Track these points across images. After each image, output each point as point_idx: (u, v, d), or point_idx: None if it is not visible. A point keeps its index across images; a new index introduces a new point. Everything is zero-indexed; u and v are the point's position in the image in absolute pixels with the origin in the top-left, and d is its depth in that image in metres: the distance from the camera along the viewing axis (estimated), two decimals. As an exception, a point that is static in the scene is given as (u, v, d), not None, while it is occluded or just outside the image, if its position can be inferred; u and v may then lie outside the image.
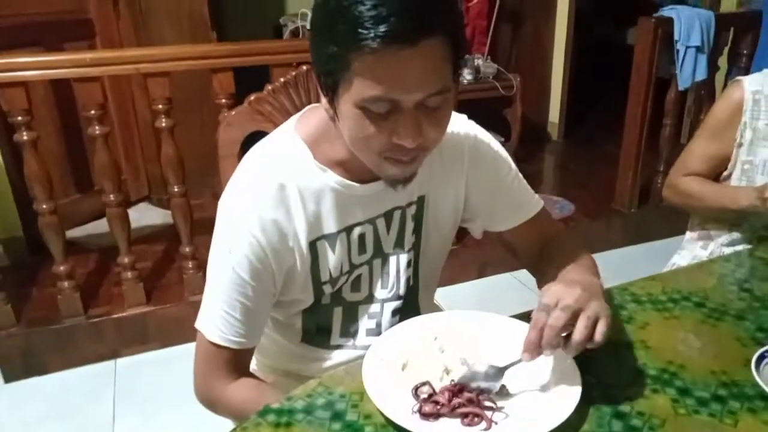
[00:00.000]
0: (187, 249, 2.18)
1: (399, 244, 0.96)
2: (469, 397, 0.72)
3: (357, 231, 0.91)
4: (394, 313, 0.98)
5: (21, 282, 2.34)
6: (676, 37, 2.67)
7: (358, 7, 0.66)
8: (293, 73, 1.16)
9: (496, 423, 0.70)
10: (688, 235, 1.54)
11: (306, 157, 0.86)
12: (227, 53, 2.02)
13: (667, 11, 2.71)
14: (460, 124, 0.96)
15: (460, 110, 0.95)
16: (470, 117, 0.99)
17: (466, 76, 3.13)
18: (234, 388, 0.88)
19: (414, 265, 1.00)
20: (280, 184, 0.84)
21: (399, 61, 0.68)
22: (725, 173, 1.39)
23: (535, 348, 0.72)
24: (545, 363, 0.77)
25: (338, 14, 0.68)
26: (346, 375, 0.79)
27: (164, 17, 2.96)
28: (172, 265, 2.47)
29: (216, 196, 0.92)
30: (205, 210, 2.29)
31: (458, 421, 0.70)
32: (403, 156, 0.77)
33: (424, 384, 0.75)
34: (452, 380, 0.76)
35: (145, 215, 2.93)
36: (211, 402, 0.90)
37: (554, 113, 4.11)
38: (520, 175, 1.02)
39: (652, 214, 2.95)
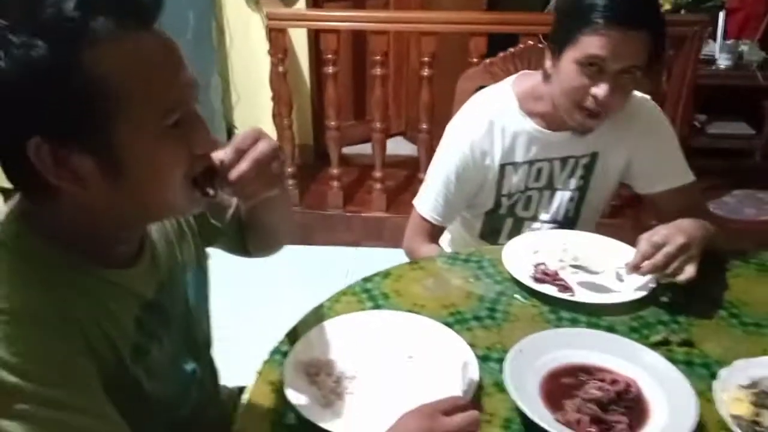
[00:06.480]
0: (422, 175, 2.73)
1: (566, 183, 1.31)
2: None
3: (537, 165, 1.29)
4: None
5: (306, 177, 3.14)
6: None
7: None
8: (520, 46, 1.56)
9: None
10: None
11: (514, 105, 1.25)
12: (486, 21, 2.45)
13: None
14: (640, 98, 1.25)
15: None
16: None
17: (723, 61, 3.05)
18: (424, 247, 1.35)
19: (577, 202, 1.34)
20: (490, 121, 1.26)
21: (614, 38, 1.06)
22: None
23: (636, 270, 1.02)
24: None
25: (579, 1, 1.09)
26: (493, 249, 1.21)
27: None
28: (410, 186, 3.06)
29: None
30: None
31: (556, 288, 1.07)
32: (591, 106, 1.12)
33: (541, 264, 1.13)
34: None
35: (398, 146, 3.58)
36: (410, 252, 1.39)
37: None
38: (680, 148, 1.28)
39: None
